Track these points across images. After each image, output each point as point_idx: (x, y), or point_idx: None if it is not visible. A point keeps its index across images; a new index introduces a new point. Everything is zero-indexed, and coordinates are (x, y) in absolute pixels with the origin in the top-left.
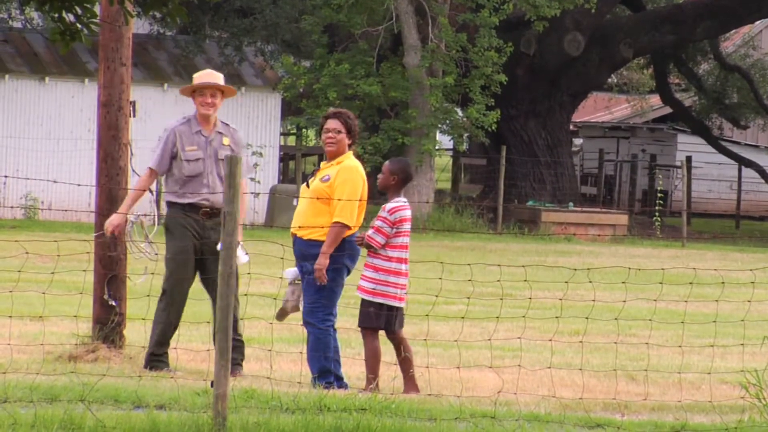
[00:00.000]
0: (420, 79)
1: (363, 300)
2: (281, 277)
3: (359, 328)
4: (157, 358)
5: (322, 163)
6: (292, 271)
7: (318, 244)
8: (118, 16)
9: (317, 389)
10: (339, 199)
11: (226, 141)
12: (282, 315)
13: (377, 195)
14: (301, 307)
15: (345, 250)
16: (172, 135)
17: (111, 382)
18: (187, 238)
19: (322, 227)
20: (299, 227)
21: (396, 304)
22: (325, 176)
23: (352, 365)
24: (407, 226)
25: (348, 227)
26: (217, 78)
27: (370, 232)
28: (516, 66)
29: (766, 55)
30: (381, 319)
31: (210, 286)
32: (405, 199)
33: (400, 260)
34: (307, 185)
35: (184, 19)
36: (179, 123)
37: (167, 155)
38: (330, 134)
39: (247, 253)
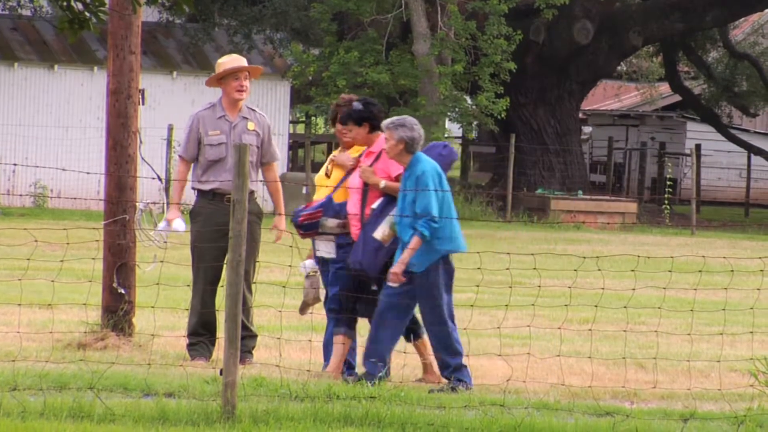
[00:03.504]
0: (429, 67)
1: None
2: (290, 266)
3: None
4: (191, 347)
5: (337, 152)
6: (309, 263)
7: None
8: (127, 5)
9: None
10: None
11: (251, 126)
12: (305, 308)
13: None
14: (321, 297)
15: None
16: (195, 120)
17: (120, 370)
18: (209, 225)
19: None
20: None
21: None
22: None
23: (360, 354)
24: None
25: None
26: (244, 61)
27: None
28: (525, 54)
29: None
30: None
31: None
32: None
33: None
34: (327, 175)
35: (191, 8)
36: (203, 108)
37: (193, 141)
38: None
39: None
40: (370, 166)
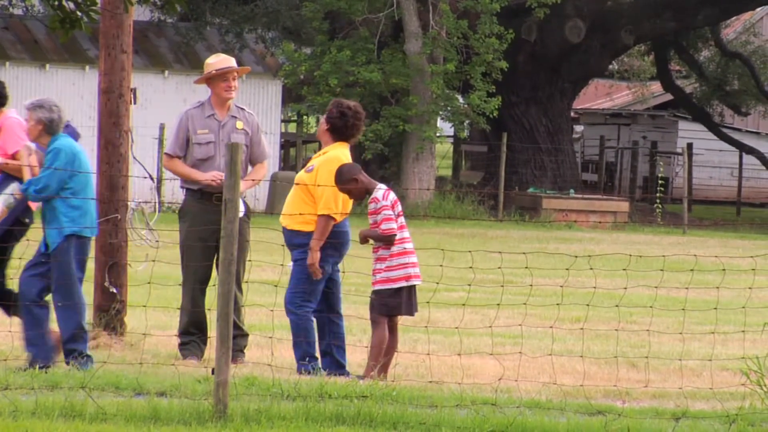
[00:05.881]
0: (421, 66)
1: (381, 290)
2: (281, 265)
3: (373, 317)
4: (183, 346)
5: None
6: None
7: (300, 234)
8: (119, 4)
9: (302, 374)
10: (319, 186)
11: (239, 125)
12: None
13: None
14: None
15: (329, 239)
16: (184, 118)
17: (112, 369)
18: (198, 224)
19: (301, 214)
20: (284, 216)
21: (414, 282)
22: (310, 166)
23: (352, 352)
24: (399, 206)
25: (333, 219)
26: (232, 61)
27: (382, 226)
28: (517, 53)
29: (766, 42)
30: (401, 305)
31: None
32: (384, 185)
33: (403, 240)
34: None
35: (184, 7)
36: (192, 107)
37: (181, 139)
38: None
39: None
40: None
